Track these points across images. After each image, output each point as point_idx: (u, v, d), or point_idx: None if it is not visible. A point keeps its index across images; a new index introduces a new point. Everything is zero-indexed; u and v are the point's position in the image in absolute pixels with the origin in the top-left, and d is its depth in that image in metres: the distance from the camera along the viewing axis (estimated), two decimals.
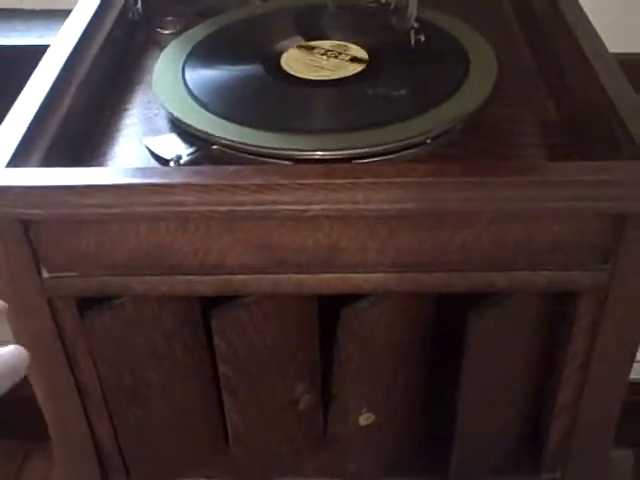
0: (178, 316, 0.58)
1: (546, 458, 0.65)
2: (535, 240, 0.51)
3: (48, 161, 0.53)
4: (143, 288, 0.53)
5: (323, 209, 0.48)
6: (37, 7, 0.98)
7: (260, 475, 0.68)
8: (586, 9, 0.67)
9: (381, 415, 0.63)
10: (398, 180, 0.48)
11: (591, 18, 0.66)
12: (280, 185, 0.48)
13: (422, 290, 0.53)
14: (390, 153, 0.55)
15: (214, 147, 0.56)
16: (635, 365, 0.58)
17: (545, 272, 0.52)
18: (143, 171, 0.51)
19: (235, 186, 0.48)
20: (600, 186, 0.48)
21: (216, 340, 0.57)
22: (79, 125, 0.59)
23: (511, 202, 0.49)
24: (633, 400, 0.85)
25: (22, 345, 0.50)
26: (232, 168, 0.50)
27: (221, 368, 0.59)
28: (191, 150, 0.56)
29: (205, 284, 0.53)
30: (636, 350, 0.56)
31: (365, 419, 0.63)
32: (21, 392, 1.31)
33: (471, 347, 0.56)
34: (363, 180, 0.48)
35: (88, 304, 0.55)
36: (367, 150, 0.54)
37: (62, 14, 0.95)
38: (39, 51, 0.84)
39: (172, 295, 0.54)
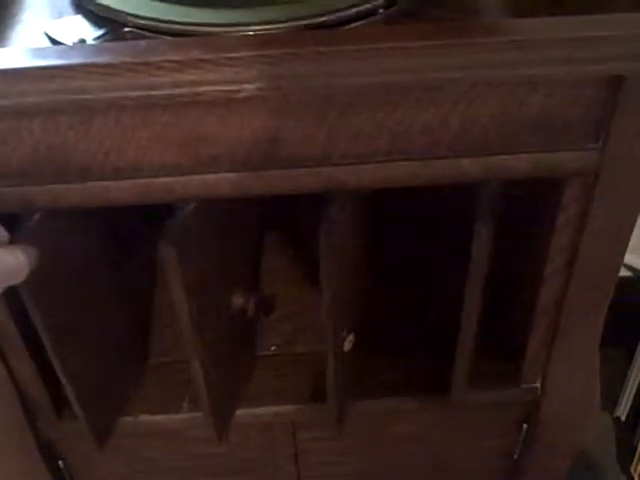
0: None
1: (525, 368, 0.58)
2: (512, 117, 0.43)
3: None
4: (47, 199, 0.44)
5: (258, 88, 0.39)
6: None
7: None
8: None
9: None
10: (347, 48, 0.39)
11: None
12: (203, 60, 0.39)
13: (380, 185, 0.45)
14: (335, 26, 0.46)
15: (126, 30, 0.46)
16: None
17: (525, 155, 0.44)
18: (34, 51, 0.40)
19: (148, 64, 0.39)
20: (591, 44, 0.40)
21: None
22: None
23: (483, 69, 0.40)
24: None
25: None
26: (144, 43, 0.40)
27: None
28: (98, 33, 0.46)
29: (122, 191, 0.44)
30: (628, 241, 0.49)
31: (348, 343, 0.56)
32: None
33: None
34: (305, 49, 0.39)
35: None
36: (308, 21, 0.45)
37: None
38: None
39: (84, 206, 0.45)
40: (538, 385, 0.60)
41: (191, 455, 0.64)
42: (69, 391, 0.53)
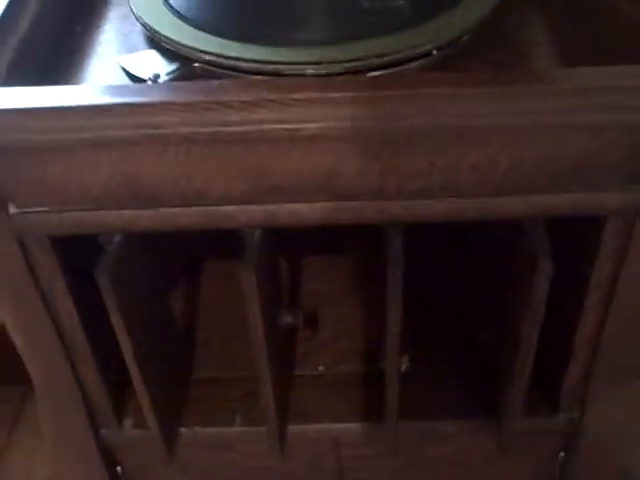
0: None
1: (563, 397, 0.61)
2: (557, 158, 0.46)
3: (8, 82, 0.47)
4: (122, 223, 0.48)
5: (319, 128, 0.43)
6: None
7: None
8: None
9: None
10: (402, 93, 0.42)
11: None
12: (270, 101, 0.42)
13: (431, 220, 0.48)
14: (392, 66, 0.49)
15: (196, 65, 0.51)
16: None
17: (568, 194, 0.47)
18: (115, 89, 0.45)
19: (220, 103, 0.43)
20: (631, 93, 0.42)
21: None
22: (44, 43, 0.53)
23: (530, 115, 0.43)
24: None
25: None
26: (216, 83, 0.44)
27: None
28: (171, 68, 0.51)
29: (189, 217, 0.48)
30: None
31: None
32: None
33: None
34: (362, 94, 0.42)
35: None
36: (367, 62, 0.48)
37: None
38: None
39: (154, 230, 0.48)
40: (576, 415, 0.62)
41: (242, 468, 0.68)
42: (143, 400, 0.57)
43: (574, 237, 0.54)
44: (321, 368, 0.67)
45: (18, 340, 0.56)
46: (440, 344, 0.66)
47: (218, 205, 0.47)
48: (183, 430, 0.64)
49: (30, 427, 1.31)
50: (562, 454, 0.66)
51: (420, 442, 0.66)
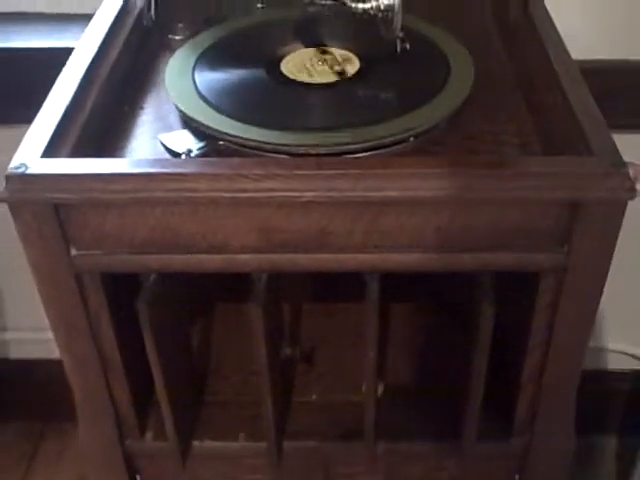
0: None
1: (516, 424, 0.72)
2: (500, 225, 0.58)
3: (75, 153, 0.60)
4: (159, 265, 0.61)
5: (315, 196, 0.55)
6: (54, 11, 1.06)
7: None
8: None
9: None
10: (380, 172, 0.56)
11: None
12: (278, 175, 0.55)
13: (402, 269, 0.61)
14: (376, 149, 0.62)
15: (221, 142, 0.63)
16: None
17: (509, 254, 0.59)
18: (160, 162, 0.59)
19: (239, 175, 0.55)
20: (554, 178, 0.55)
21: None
22: (101, 121, 0.66)
23: (478, 192, 0.56)
24: None
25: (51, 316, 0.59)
26: (237, 160, 0.58)
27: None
28: (200, 145, 0.63)
29: (213, 262, 0.60)
30: (593, 322, 0.63)
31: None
32: (36, 376, 1.41)
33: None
34: (350, 171, 0.55)
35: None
36: (355, 146, 0.61)
37: (76, 18, 1.03)
38: (55, 53, 0.92)
39: (185, 272, 0.61)
40: (527, 440, 0.73)
41: None
42: (166, 415, 0.69)
43: (520, 289, 0.67)
44: (314, 396, 0.79)
45: (66, 359, 0.67)
46: (414, 374, 0.78)
47: (235, 253, 0.59)
48: (196, 443, 0.75)
49: (48, 462, 1.41)
50: (517, 477, 0.77)
51: (396, 461, 0.77)
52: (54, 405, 1.37)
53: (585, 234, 0.58)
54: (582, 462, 0.78)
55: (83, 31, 0.74)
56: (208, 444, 0.75)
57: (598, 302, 0.62)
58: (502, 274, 0.63)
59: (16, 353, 1.38)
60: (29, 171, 0.56)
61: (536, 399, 0.69)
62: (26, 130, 0.60)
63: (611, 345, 1.27)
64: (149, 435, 0.75)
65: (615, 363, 1.30)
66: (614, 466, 1.32)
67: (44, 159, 0.57)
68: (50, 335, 0.66)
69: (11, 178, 0.56)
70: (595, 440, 1.33)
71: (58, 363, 0.82)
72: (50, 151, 0.58)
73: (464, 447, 0.72)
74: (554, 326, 0.64)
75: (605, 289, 0.62)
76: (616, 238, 0.58)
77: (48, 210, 0.57)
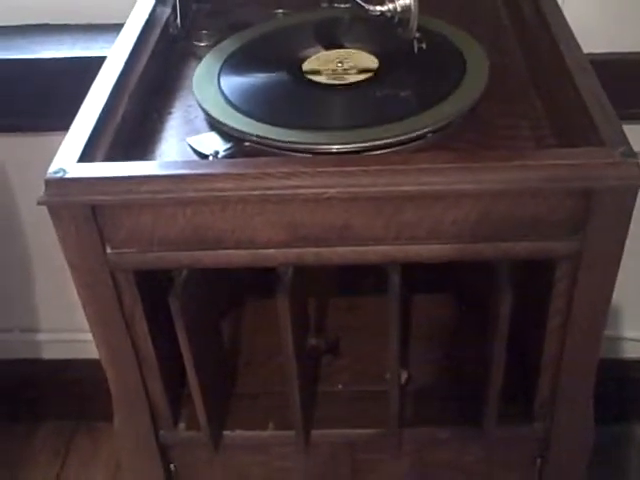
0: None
1: (536, 408, 0.74)
2: (516, 215, 0.60)
3: (110, 157, 0.63)
4: (190, 261, 0.64)
5: (337, 192, 0.58)
6: (82, 22, 1.10)
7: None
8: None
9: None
10: (399, 167, 0.58)
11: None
12: (302, 173, 0.58)
13: (422, 260, 0.63)
14: (395, 146, 0.65)
15: (246, 144, 0.66)
16: None
17: (525, 242, 0.62)
18: (190, 163, 0.62)
19: (265, 174, 0.58)
20: (567, 169, 0.58)
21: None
22: (132, 127, 0.69)
23: (494, 184, 0.59)
24: None
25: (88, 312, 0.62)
26: (262, 159, 0.61)
27: None
28: (227, 146, 0.66)
29: (241, 257, 0.63)
30: (608, 306, 0.66)
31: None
32: (68, 375, 1.45)
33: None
34: (370, 167, 0.58)
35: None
36: (375, 143, 0.64)
37: (105, 28, 1.07)
38: (84, 62, 0.96)
39: (214, 266, 0.64)
40: (548, 424, 0.75)
41: (273, 468, 0.82)
42: (198, 405, 0.72)
43: (538, 276, 0.69)
44: (340, 386, 0.82)
45: (103, 353, 0.71)
46: (436, 362, 0.80)
47: (262, 249, 0.62)
48: (227, 433, 0.78)
49: (81, 460, 1.45)
50: (538, 460, 0.79)
51: (420, 447, 0.79)
52: (86, 404, 1.42)
53: (598, 222, 0.60)
54: (604, 451, 0.80)
55: (106, 40, 0.77)
56: (239, 434, 0.78)
57: (613, 286, 0.64)
58: (519, 261, 0.65)
59: (49, 353, 1.42)
60: (67, 175, 0.59)
61: (555, 383, 0.71)
62: (51, 138, 0.64)
63: (628, 333, 1.29)
64: (182, 426, 0.78)
65: (634, 351, 1.31)
66: (637, 454, 1.33)
67: (81, 164, 0.61)
68: (82, 336, 0.69)
69: (50, 182, 0.59)
70: (616, 429, 1.35)
71: (90, 363, 0.86)
72: (86, 156, 0.62)
73: (486, 432, 0.75)
74: (571, 311, 0.66)
75: (621, 279, 0.64)
76: (628, 225, 0.60)
77: (85, 212, 0.60)
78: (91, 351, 0.73)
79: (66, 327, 1.34)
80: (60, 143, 0.63)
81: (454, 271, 0.73)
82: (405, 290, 0.66)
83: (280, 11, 0.86)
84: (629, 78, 1.00)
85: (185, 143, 0.69)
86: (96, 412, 1.37)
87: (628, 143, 0.59)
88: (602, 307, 0.66)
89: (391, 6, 0.71)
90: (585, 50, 0.71)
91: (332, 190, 0.58)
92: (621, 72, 0.98)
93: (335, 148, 0.64)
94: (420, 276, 0.78)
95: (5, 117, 1.10)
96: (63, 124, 0.66)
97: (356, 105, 0.71)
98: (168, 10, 0.83)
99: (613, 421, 1.31)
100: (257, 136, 0.65)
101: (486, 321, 0.73)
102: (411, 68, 0.74)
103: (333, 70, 0.74)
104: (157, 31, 0.79)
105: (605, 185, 0.58)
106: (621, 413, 1.33)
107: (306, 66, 0.74)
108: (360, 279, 0.89)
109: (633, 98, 0.98)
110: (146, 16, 0.79)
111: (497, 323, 0.65)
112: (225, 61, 0.76)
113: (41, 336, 1.40)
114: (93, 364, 0.78)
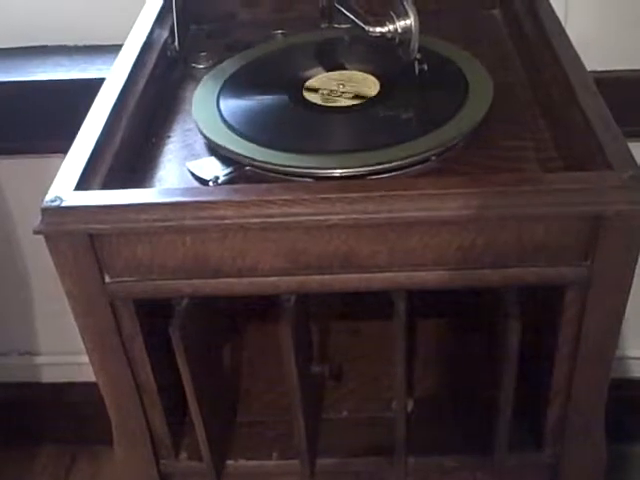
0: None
1: (546, 434, 0.73)
2: (524, 241, 0.59)
3: (107, 184, 0.62)
4: (190, 290, 0.62)
5: (340, 219, 0.57)
6: (80, 43, 1.09)
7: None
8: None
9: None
10: (403, 193, 0.57)
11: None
12: (304, 199, 0.57)
13: (427, 287, 0.62)
14: (399, 169, 0.64)
15: (247, 168, 0.65)
16: None
17: (533, 268, 0.61)
18: (190, 190, 0.60)
19: (267, 201, 0.57)
20: (574, 194, 0.56)
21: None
22: (130, 152, 0.68)
23: (501, 209, 0.57)
24: None
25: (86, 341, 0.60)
26: (264, 186, 0.59)
27: None
28: (227, 171, 0.65)
29: (242, 285, 0.62)
30: (618, 333, 0.64)
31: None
32: (67, 399, 1.43)
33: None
34: (373, 194, 0.57)
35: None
36: (378, 167, 0.63)
37: (103, 49, 1.06)
38: (82, 84, 0.95)
39: (215, 295, 0.63)
40: (558, 450, 0.74)
41: None
42: (200, 435, 0.70)
43: (547, 303, 0.68)
44: (344, 413, 0.80)
45: (101, 382, 0.69)
46: (443, 389, 0.79)
47: (264, 277, 0.61)
48: (229, 462, 0.76)
49: None
50: None
51: (428, 476, 0.78)
52: (86, 427, 1.40)
53: (607, 247, 0.59)
54: (611, 471, 0.78)
55: (104, 62, 0.76)
56: (242, 463, 0.76)
57: (623, 313, 0.63)
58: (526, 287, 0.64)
59: (48, 377, 1.41)
60: (64, 204, 0.58)
61: (565, 410, 0.70)
62: (49, 160, 0.62)
63: (634, 353, 1.28)
64: (184, 455, 0.76)
65: (637, 371, 1.30)
66: None
67: (77, 192, 0.59)
68: (81, 359, 0.68)
69: (47, 211, 0.58)
70: (623, 449, 1.32)
71: (89, 386, 0.84)
72: (83, 183, 0.60)
73: (495, 459, 0.73)
74: (580, 338, 0.64)
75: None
76: (639, 249, 0.59)
77: (83, 240, 0.59)
78: (90, 374, 0.71)
79: (65, 350, 1.33)
80: (58, 165, 0.62)
81: (459, 293, 0.72)
82: (409, 313, 0.65)
83: (279, 32, 0.85)
84: (633, 95, 0.99)
85: (184, 168, 0.67)
86: (96, 435, 1.33)
87: (637, 165, 0.58)
88: (612, 333, 0.64)
89: (391, 27, 0.70)
90: (588, 68, 0.70)
91: (335, 217, 0.57)
92: (625, 89, 0.97)
93: (338, 172, 0.62)
94: (425, 299, 0.76)
95: (3, 139, 1.09)
96: (61, 146, 0.65)
97: (358, 128, 0.70)
98: (166, 32, 0.82)
99: (615, 441, 1.28)
100: (258, 160, 0.64)
101: (493, 345, 0.71)
102: (413, 90, 0.73)
103: (334, 92, 0.73)
104: (155, 54, 0.78)
105: (614, 209, 0.56)
106: (623, 432, 1.31)
107: (306, 88, 0.73)
108: (363, 303, 0.87)
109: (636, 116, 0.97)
110: (144, 38, 0.78)
111: (506, 352, 0.64)
112: (224, 84, 0.75)
113: (40, 359, 1.39)
114: (93, 387, 0.77)
